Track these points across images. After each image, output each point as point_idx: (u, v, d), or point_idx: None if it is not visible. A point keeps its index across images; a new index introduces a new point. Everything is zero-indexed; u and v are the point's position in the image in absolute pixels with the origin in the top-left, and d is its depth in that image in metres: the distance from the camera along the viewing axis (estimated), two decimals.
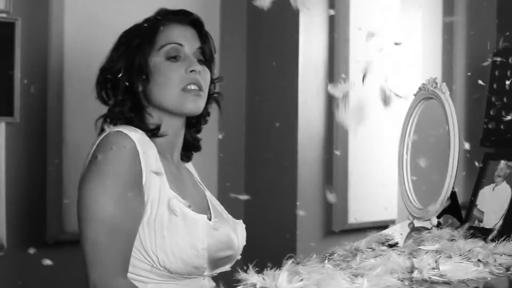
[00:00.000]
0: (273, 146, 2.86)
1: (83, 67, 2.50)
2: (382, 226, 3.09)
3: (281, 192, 2.82)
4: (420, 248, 1.59)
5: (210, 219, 1.69)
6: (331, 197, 2.50)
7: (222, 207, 1.82)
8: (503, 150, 2.33)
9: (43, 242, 2.53)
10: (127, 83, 1.66)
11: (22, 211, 2.49)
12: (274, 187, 2.85)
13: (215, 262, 1.64)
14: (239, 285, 1.17)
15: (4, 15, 2.40)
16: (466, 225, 1.83)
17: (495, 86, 2.48)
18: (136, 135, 1.58)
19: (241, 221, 1.80)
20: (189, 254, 1.56)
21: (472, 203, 1.95)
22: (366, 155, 3.08)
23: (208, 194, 1.82)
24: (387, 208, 3.06)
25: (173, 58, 1.67)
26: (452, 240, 1.67)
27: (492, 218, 1.85)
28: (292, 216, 2.77)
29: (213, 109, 1.82)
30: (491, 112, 2.47)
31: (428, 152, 2.18)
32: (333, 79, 2.92)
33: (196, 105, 1.67)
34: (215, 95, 1.80)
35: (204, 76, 1.69)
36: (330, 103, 2.94)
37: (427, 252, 1.51)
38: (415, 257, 1.42)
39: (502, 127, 2.42)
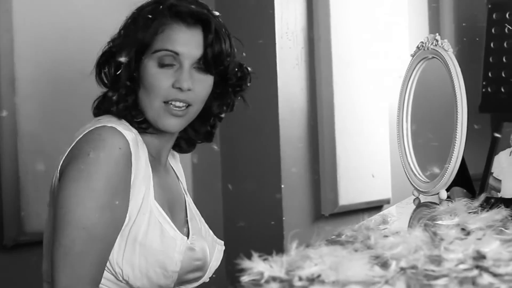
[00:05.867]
0: (251, 124, 2.62)
1: (36, 45, 2.24)
2: (376, 206, 2.92)
3: (263, 176, 2.59)
4: (437, 223, 1.42)
5: (188, 234, 1.57)
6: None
7: (202, 218, 1.69)
8: None
9: (1, 245, 2.25)
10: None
11: None
12: (255, 170, 2.63)
13: (182, 282, 1.56)
14: (243, 275, 0.99)
15: None
16: (483, 196, 1.63)
17: (492, 45, 2.31)
18: (131, 135, 1.45)
19: (221, 241, 1.68)
20: (157, 273, 1.47)
21: (487, 172, 1.78)
22: (354, 129, 2.87)
23: (188, 200, 1.68)
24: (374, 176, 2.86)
25: (166, 66, 1.49)
26: (471, 212, 1.49)
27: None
28: (277, 201, 2.55)
29: None
30: (490, 74, 2.31)
31: (430, 118, 1.98)
32: (313, 47, 2.70)
33: (173, 124, 1.50)
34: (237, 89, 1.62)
35: (199, 88, 1.51)
36: (312, 73, 2.72)
37: (448, 226, 1.35)
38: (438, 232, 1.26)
39: (503, 89, 2.28)
